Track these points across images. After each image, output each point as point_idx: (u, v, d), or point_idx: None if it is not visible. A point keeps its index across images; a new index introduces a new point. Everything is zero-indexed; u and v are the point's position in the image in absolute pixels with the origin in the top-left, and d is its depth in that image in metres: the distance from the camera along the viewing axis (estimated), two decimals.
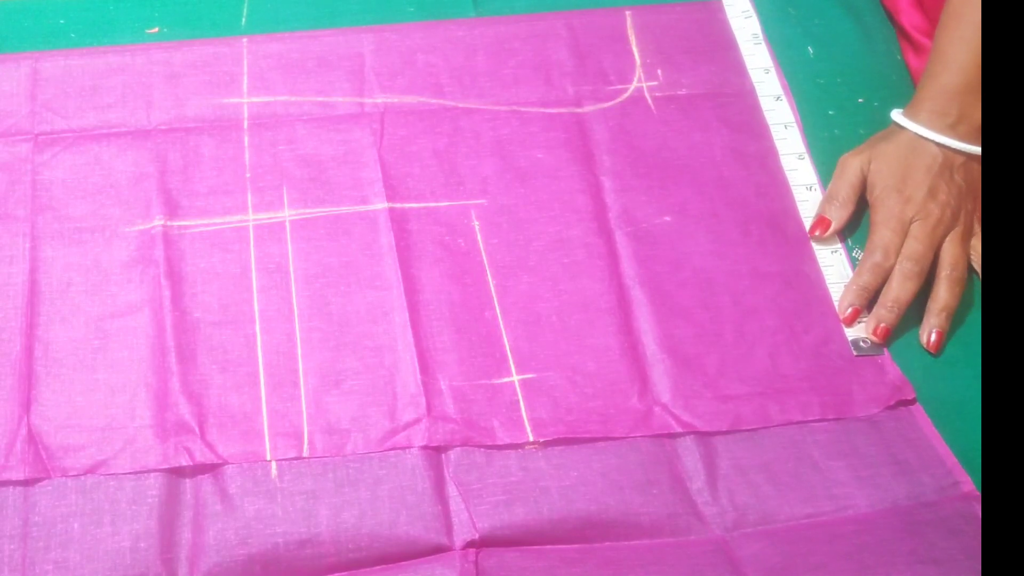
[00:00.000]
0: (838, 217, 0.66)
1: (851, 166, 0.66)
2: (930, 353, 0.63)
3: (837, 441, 0.60)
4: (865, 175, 0.66)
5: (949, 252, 0.64)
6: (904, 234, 0.64)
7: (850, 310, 0.64)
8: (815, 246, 0.67)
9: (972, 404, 0.62)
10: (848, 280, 0.65)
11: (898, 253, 0.63)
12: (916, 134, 0.65)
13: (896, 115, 0.67)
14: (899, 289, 0.63)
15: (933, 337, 0.63)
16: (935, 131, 0.65)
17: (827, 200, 0.67)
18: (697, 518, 0.57)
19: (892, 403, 0.61)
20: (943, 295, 0.63)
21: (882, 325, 0.62)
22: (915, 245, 0.63)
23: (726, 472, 0.58)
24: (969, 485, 0.58)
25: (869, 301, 0.64)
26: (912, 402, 0.62)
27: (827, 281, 0.66)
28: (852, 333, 0.64)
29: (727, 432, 0.60)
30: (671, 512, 0.57)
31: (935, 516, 0.57)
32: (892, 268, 0.63)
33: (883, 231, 0.64)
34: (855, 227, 0.68)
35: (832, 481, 0.58)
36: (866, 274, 0.63)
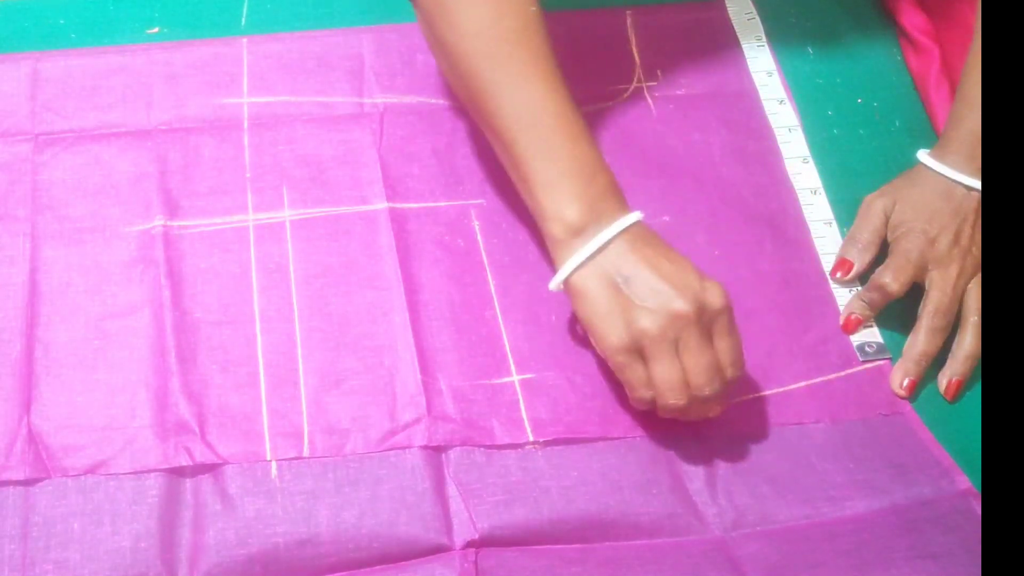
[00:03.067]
0: (860, 260, 0.64)
1: (874, 208, 0.65)
2: (945, 399, 0.62)
3: (833, 444, 0.60)
4: (888, 217, 0.64)
5: (975, 297, 0.62)
6: (919, 269, 0.62)
7: (852, 317, 0.64)
8: (807, 217, 0.68)
9: (969, 402, 0.62)
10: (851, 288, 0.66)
11: (909, 282, 0.62)
12: (944, 177, 0.63)
13: (923, 156, 0.65)
14: (927, 344, 0.62)
15: (953, 382, 0.62)
16: (964, 174, 0.63)
17: (849, 242, 0.65)
18: (696, 518, 0.57)
19: (889, 407, 0.61)
20: (969, 343, 0.62)
21: (909, 379, 0.61)
22: (940, 298, 0.62)
23: (725, 472, 0.58)
24: (966, 483, 0.58)
25: (872, 317, 0.64)
26: (907, 407, 0.62)
27: (819, 252, 0.66)
28: (857, 338, 0.64)
29: (726, 432, 0.60)
30: (671, 512, 0.57)
31: (932, 513, 0.57)
32: (896, 294, 0.62)
33: (899, 258, 0.62)
34: (850, 213, 0.67)
35: (830, 483, 0.58)
36: (872, 292, 0.63)
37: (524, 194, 0.59)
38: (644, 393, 0.55)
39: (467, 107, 0.62)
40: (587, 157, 0.57)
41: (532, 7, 0.58)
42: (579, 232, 0.55)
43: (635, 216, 0.56)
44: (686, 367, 0.54)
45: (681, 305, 0.53)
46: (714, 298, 0.54)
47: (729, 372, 0.55)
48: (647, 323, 0.53)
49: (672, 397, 0.54)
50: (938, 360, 0.63)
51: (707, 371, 0.54)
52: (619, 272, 0.55)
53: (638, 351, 0.54)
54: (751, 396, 0.61)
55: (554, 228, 0.56)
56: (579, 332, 0.62)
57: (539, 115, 0.57)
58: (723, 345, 0.55)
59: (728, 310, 0.55)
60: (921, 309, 0.62)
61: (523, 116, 0.57)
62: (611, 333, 0.54)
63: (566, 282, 0.56)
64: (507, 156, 0.59)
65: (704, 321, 0.54)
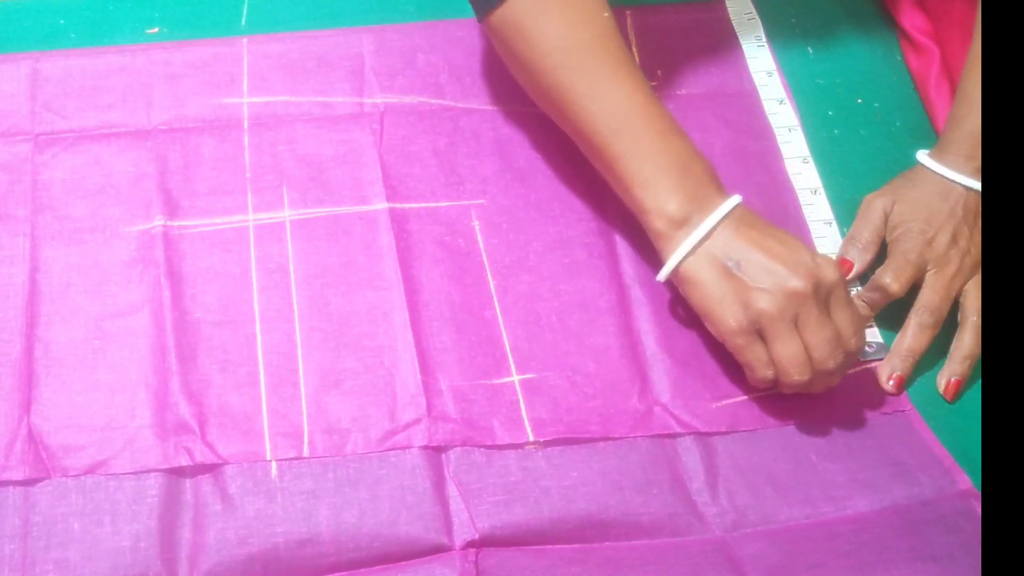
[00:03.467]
0: (861, 260, 0.65)
1: (874, 208, 0.65)
2: (945, 399, 0.62)
3: (834, 443, 0.60)
4: (888, 216, 0.65)
5: (973, 297, 0.63)
6: (918, 270, 0.62)
7: None
8: (807, 217, 0.68)
9: (969, 402, 0.62)
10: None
11: (909, 283, 0.62)
12: (942, 177, 0.64)
13: (922, 156, 0.65)
14: (913, 340, 0.62)
15: (952, 382, 0.62)
16: (962, 174, 0.63)
17: (848, 242, 0.65)
18: (697, 518, 0.57)
19: (889, 408, 0.61)
20: (969, 343, 0.62)
21: (896, 374, 0.62)
22: (931, 296, 0.62)
23: (726, 472, 0.58)
24: (967, 483, 0.58)
25: (872, 317, 0.64)
26: (908, 406, 0.62)
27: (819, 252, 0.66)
28: None
29: (726, 432, 0.60)
30: (671, 512, 0.57)
31: (933, 514, 0.57)
32: (897, 294, 0.62)
33: (899, 259, 0.63)
34: (850, 213, 0.67)
35: (831, 483, 0.58)
36: (874, 291, 0.63)
37: (622, 193, 0.60)
38: (766, 372, 0.57)
39: (552, 117, 0.63)
40: (680, 149, 0.58)
41: (605, 13, 0.60)
42: (682, 223, 0.57)
43: (735, 200, 0.58)
44: (808, 343, 0.55)
45: (798, 283, 0.54)
46: (829, 272, 0.56)
47: (851, 343, 0.56)
48: (765, 304, 0.55)
49: (797, 374, 0.56)
50: (937, 359, 0.63)
51: (829, 344, 0.55)
52: (729, 256, 0.56)
53: (756, 332, 0.56)
54: (751, 396, 0.61)
55: (657, 223, 0.58)
56: (681, 315, 0.63)
57: (627, 116, 0.58)
58: (842, 316, 0.56)
59: (843, 282, 0.57)
60: (911, 306, 0.63)
61: (612, 120, 0.59)
62: (728, 316, 0.56)
63: (675, 272, 0.58)
64: (600, 160, 0.60)
65: (821, 296, 0.55)
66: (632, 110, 0.59)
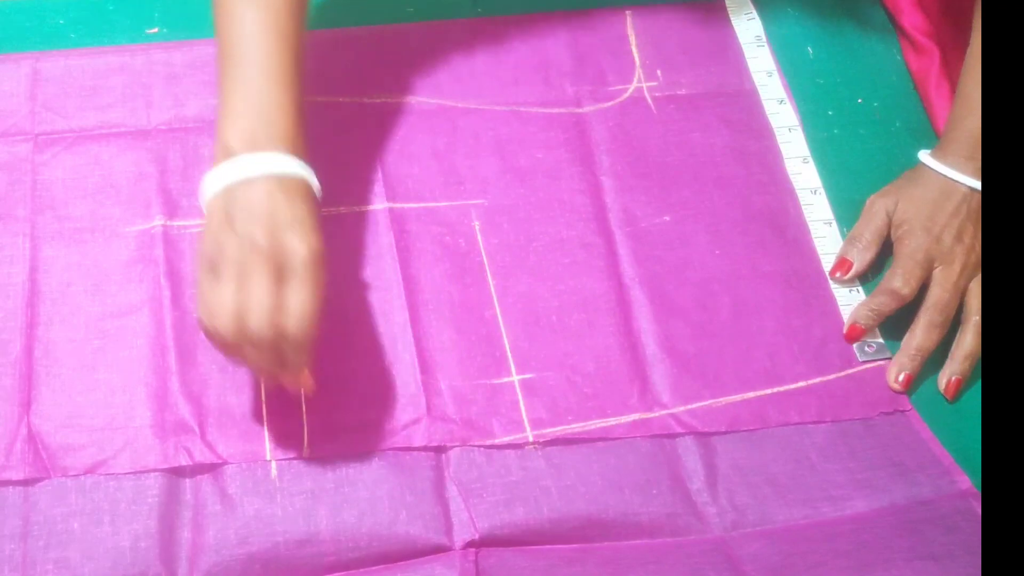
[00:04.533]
0: (860, 259, 0.65)
1: (877, 208, 0.65)
2: (945, 399, 0.62)
3: (834, 443, 0.60)
4: (890, 217, 0.64)
5: (975, 296, 0.62)
6: (926, 270, 0.62)
7: (857, 326, 0.63)
8: (807, 217, 0.68)
9: (969, 402, 0.62)
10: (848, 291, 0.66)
11: (919, 285, 0.62)
12: (944, 177, 0.64)
13: (924, 156, 0.65)
14: (924, 338, 0.62)
15: (953, 381, 0.62)
16: (964, 174, 0.63)
17: (850, 241, 0.65)
18: (697, 518, 0.57)
19: (889, 408, 0.61)
20: (970, 342, 0.62)
21: (905, 373, 0.61)
22: (940, 293, 0.62)
23: (725, 473, 0.58)
24: (966, 483, 0.58)
25: (877, 325, 0.64)
26: (908, 406, 0.62)
27: (819, 252, 0.66)
28: None
29: (726, 433, 0.60)
30: (671, 512, 0.57)
31: (933, 514, 0.57)
32: (908, 298, 0.62)
33: (907, 261, 0.62)
34: (850, 213, 0.67)
35: (830, 483, 0.58)
36: (882, 296, 0.63)
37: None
38: (201, 311, 0.52)
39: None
40: (282, 102, 0.56)
41: None
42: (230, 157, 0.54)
43: (292, 163, 0.55)
44: (243, 298, 0.51)
45: (259, 233, 0.51)
46: (297, 244, 0.52)
47: (289, 323, 0.51)
48: (226, 241, 0.52)
49: (218, 320, 0.51)
50: (938, 359, 0.63)
51: (259, 308, 0.51)
52: (235, 202, 0.53)
53: (215, 270, 0.52)
54: (752, 395, 0.61)
55: (216, 149, 0.55)
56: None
57: (250, 46, 0.57)
58: (291, 294, 0.52)
59: (313, 267, 0.52)
60: (921, 304, 0.62)
61: (240, 42, 0.57)
62: (206, 242, 0.53)
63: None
64: (218, 76, 0.58)
65: (277, 261, 0.52)
66: (259, 44, 0.56)
